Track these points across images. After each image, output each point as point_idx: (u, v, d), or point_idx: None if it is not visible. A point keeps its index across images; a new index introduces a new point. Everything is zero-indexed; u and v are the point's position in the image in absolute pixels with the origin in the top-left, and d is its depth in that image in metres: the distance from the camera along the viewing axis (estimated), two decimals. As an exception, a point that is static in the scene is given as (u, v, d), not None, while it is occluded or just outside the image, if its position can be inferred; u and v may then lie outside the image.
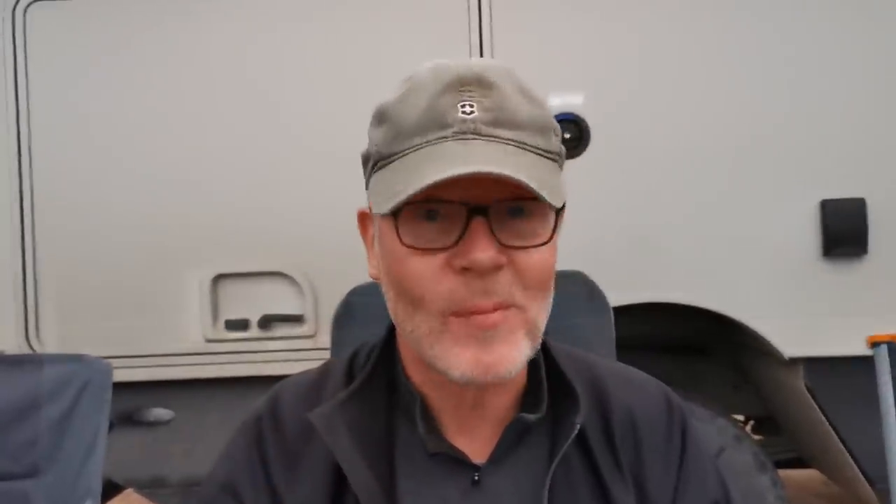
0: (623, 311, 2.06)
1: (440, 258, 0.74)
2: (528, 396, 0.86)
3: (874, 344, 2.05)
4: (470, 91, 0.74)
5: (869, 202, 2.13)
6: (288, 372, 2.29)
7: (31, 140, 2.23)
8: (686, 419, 0.89)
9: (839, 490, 3.88)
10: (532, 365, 0.85)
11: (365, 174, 0.83)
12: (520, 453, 0.83)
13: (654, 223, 2.19)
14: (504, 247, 0.74)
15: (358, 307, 1.53)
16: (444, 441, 0.82)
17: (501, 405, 0.84)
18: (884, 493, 2.16)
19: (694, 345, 2.62)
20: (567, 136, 2.17)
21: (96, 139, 2.24)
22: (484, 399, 0.83)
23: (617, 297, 1.31)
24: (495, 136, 0.73)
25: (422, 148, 0.73)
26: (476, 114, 0.73)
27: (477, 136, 0.73)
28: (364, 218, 0.86)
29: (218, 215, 2.23)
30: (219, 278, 2.24)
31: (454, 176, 0.68)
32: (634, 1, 2.22)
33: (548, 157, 0.77)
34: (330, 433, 0.80)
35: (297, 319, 2.25)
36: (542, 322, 0.79)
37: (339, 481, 0.80)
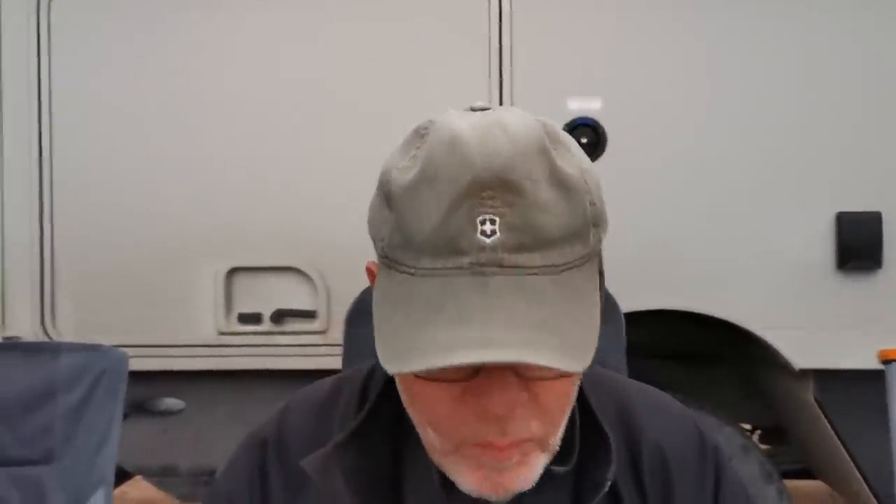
0: (634, 318, 2.07)
1: (456, 386, 0.66)
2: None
3: (885, 360, 2.04)
4: (491, 199, 0.61)
5: (885, 216, 2.12)
6: (299, 367, 2.32)
7: (52, 131, 2.25)
8: (721, 459, 0.83)
9: (845, 503, 3.87)
10: None
11: (373, 241, 0.72)
12: (541, 500, 0.75)
13: (668, 230, 2.19)
14: (525, 379, 0.65)
15: (371, 307, 1.53)
16: (452, 484, 0.74)
17: None
18: (891, 508, 2.16)
19: (704, 353, 2.62)
20: (584, 140, 2.18)
21: (116, 130, 2.26)
22: None
23: (628, 303, 1.31)
24: (520, 266, 0.62)
25: (433, 276, 0.62)
26: (498, 236, 0.61)
27: (498, 269, 0.61)
28: (371, 273, 0.76)
29: (234, 209, 2.24)
30: (233, 272, 2.26)
31: (464, 364, 0.59)
32: (657, 6, 2.22)
33: (583, 264, 0.66)
34: (326, 481, 0.74)
35: (309, 315, 2.26)
36: (559, 438, 0.71)
37: None
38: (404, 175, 0.65)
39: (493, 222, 0.61)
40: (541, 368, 0.63)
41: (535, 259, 0.62)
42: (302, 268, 2.26)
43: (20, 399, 1.34)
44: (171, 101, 2.26)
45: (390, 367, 0.62)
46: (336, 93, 2.25)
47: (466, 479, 0.68)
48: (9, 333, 2.17)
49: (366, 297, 1.55)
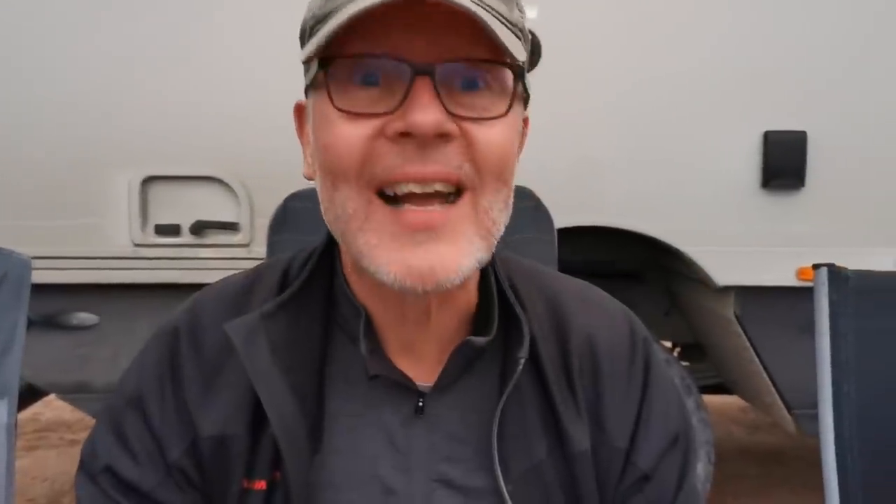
0: (560, 235, 2.07)
1: (374, 124, 0.63)
2: (480, 316, 0.76)
3: (803, 278, 2.10)
4: None
5: (810, 135, 2.15)
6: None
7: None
8: (650, 349, 0.81)
9: (757, 415, 4.05)
10: (485, 280, 0.76)
11: (302, 49, 0.70)
12: (469, 381, 0.74)
13: (594, 149, 2.17)
14: (453, 116, 0.63)
15: (296, 212, 1.48)
16: (386, 362, 0.73)
17: (449, 324, 0.75)
18: (802, 419, 2.26)
19: (627, 271, 2.66)
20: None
21: (20, 28, 2.09)
22: (429, 313, 0.73)
23: (557, 219, 1.29)
24: None
25: None
26: None
27: None
28: (300, 112, 0.75)
29: (150, 113, 2.12)
30: (149, 180, 2.15)
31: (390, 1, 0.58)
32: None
33: (511, 29, 0.65)
34: (248, 349, 0.70)
35: (231, 227, 2.18)
36: (498, 220, 0.68)
37: (261, 405, 0.71)
38: None
39: None
40: (473, 108, 0.63)
41: None
42: (224, 178, 2.16)
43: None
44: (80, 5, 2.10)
45: (315, 44, 0.62)
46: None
47: (384, 263, 0.64)
48: None
49: (291, 203, 1.49)
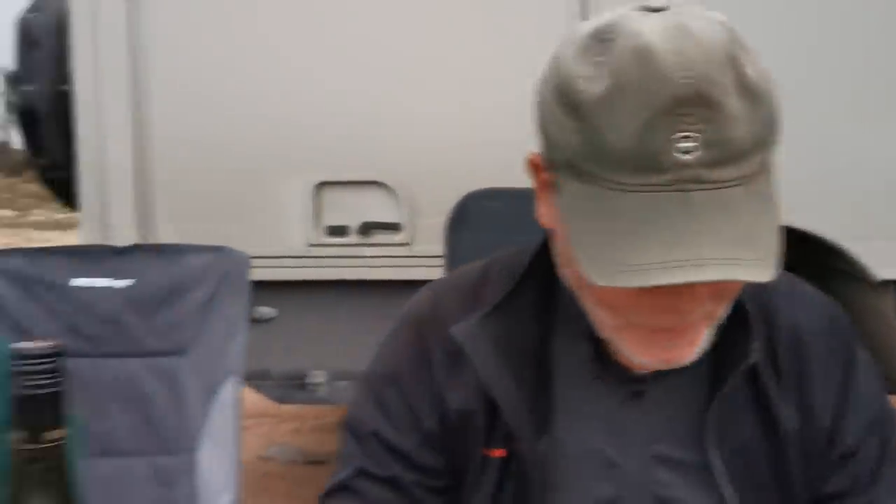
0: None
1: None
2: None
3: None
4: (689, 116, 0.63)
5: None
6: (385, 277, 2.40)
7: (147, 49, 2.32)
8: (853, 335, 0.87)
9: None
10: None
11: (542, 144, 0.75)
12: (683, 370, 0.78)
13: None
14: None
15: (474, 212, 1.58)
16: (609, 357, 0.81)
17: None
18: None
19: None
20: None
21: (210, 48, 2.32)
22: None
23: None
24: (717, 181, 0.64)
25: (633, 192, 0.65)
26: (698, 153, 0.63)
27: (697, 185, 0.64)
28: (535, 165, 0.78)
29: (323, 124, 2.30)
30: (322, 185, 2.33)
31: (681, 282, 0.63)
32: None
33: (767, 169, 0.69)
34: (473, 348, 0.80)
35: (394, 227, 2.34)
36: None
37: None
38: (592, 85, 0.66)
39: (691, 139, 0.63)
40: None
41: (730, 172, 0.64)
42: (387, 182, 2.32)
43: (154, 295, 1.45)
44: (265, 20, 2.30)
45: (601, 281, 0.65)
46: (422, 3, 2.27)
47: (635, 354, 0.75)
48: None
49: (468, 202, 1.60)
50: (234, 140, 2.33)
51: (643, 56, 0.64)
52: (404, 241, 2.35)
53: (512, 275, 0.86)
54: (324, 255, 2.35)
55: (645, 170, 0.64)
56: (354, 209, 2.35)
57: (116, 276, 1.46)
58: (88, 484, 0.59)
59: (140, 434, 1.40)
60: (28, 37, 2.59)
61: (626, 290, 0.66)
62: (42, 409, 0.50)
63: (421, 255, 2.30)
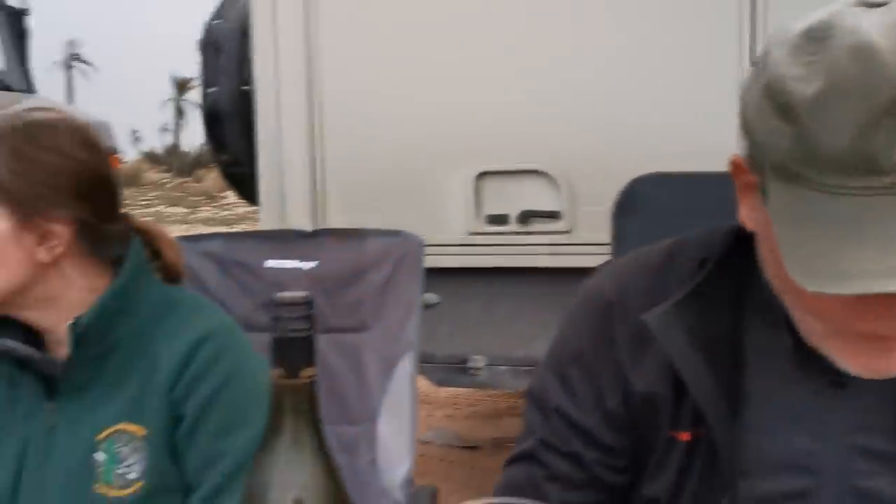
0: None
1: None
2: None
3: None
4: None
5: None
6: (544, 265, 2.44)
7: (322, 51, 2.47)
8: None
9: None
10: None
11: (746, 145, 0.74)
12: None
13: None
14: None
15: (641, 197, 1.58)
16: (808, 351, 0.78)
17: None
18: None
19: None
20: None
21: (379, 49, 2.44)
22: None
23: None
24: None
25: (846, 195, 0.63)
26: None
27: None
28: (738, 167, 0.77)
29: (484, 116, 2.37)
30: (482, 175, 2.40)
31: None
32: None
33: None
34: (665, 334, 0.80)
35: (554, 216, 2.37)
36: None
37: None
38: (805, 86, 0.64)
39: None
40: None
41: None
42: (547, 170, 2.36)
43: (337, 276, 1.55)
44: (428, 16, 2.40)
45: (812, 287, 0.63)
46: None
47: (845, 361, 0.73)
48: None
49: (636, 188, 1.61)
50: (400, 135, 2.44)
51: (863, 54, 0.61)
52: (564, 229, 2.38)
53: (703, 262, 0.85)
54: (484, 242, 2.42)
55: (862, 172, 0.62)
56: (514, 198, 2.40)
57: (303, 259, 1.58)
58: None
59: (325, 404, 1.50)
60: (212, 42, 2.82)
61: (837, 296, 0.63)
62: (297, 349, 0.57)
63: (581, 243, 2.32)
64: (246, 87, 2.63)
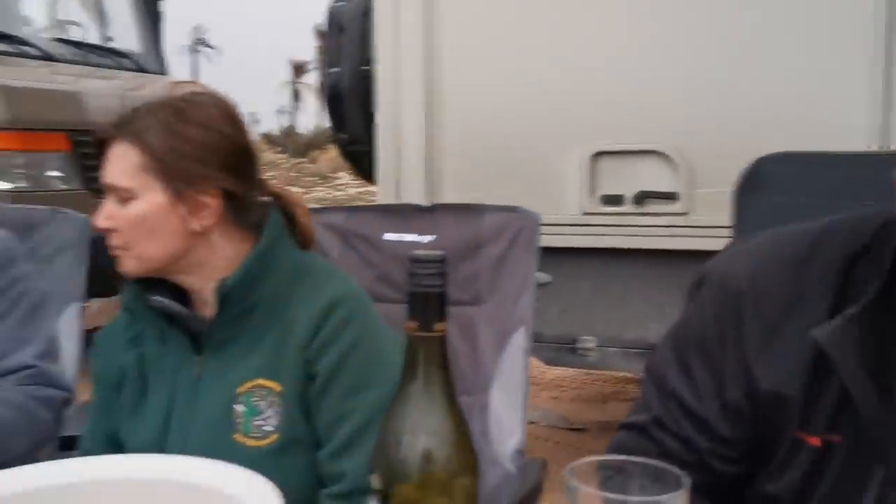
0: None
1: None
2: None
3: None
4: None
5: None
6: (660, 247, 2.42)
7: (442, 31, 2.51)
8: None
9: None
10: None
11: None
12: None
13: None
14: None
15: (766, 176, 1.54)
16: None
17: None
18: None
19: None
20: None
21: (496, 30, 2.47)
22: None
23: None
24: None
25: None
26: None
27: None
28: None
29: (601, 95, 2.36)
30: (598, 155, 2.39)
31: None
32: None
33: None
34: (839, 354, 0.76)
35: (670, 197, 2.34)
36: None
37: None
38: None
39: None
40: None
41: None
42: (665, 150, 2.32)
43: (453, 250, 1.59)
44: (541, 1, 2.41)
45: None
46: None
47: None
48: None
49: (763, 166, 1.57)
50: (516, 114, 2.46)
51: None
52: (681, 211, 2.34)
53: (853, 258, 0.81)
54: (598, 223, 2.41)
55: None
56: (630, 178, 2.38)
57: (421, 232, 1.62)
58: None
59: (440, 374, 1.55)
60: (336, 24, 2.91)
61: None
62: (431, 304, 0.61)
63: (698, 226, 2.28)
64: (366, 68, 2.70)
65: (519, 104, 2.45)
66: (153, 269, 1.06)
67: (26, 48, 4.14)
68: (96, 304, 2.28)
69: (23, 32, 4.25)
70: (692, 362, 0.86)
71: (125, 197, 1.03)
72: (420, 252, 0.61)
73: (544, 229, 2.46)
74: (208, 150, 1.04)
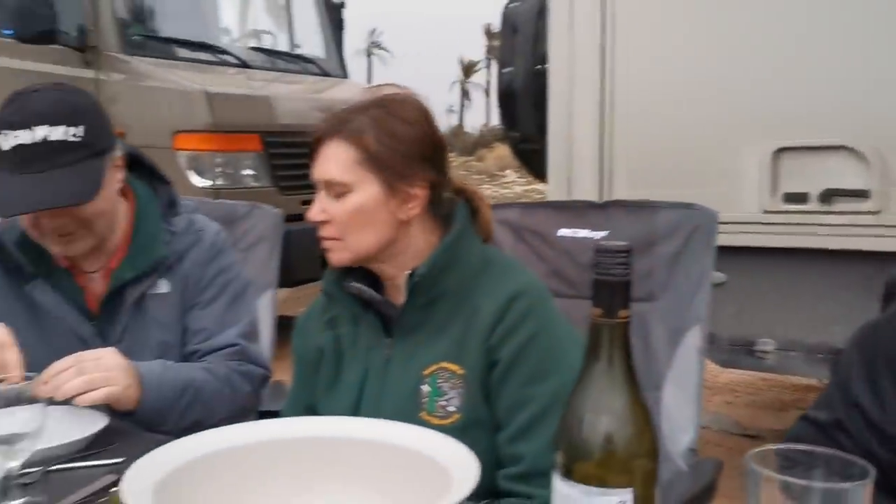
0: None
1: None
2: None
3: None
4: None
5: None
6: (847, 247, 2.30)
7: (617, 30, 2.50)
8: None
9: None
10: None
11: None
12: None
13: None
14: None
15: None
16: None
17: None
18: None
19: None
20: None
21: (672, 30, 2.43)
22: None
23: None
24: None
25: None
26: None
27: None
28: None
29: (783, 88, 2.27)
30: (780, 151, 2.30)
31: None
32: None
33: None
34: None
35: (861, 195, 2.21)
36: None
37: None
38: None
39: None
40: None
41: None
42: (854, 146, 2.20)
43: (627, 246, 1.60)
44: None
45: None
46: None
47: None
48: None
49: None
50: (692, 110, 2.41)
51: None
52: (873, 210, 2.20)
53: None
54: (780, 221, 2.32)
55: None
56: (815, 175, 2.27)
57: (594, 228, 1.64)
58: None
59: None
60: (510, 24, 2.97)
61: None
62: (616, 292, 0.64)
63: (892, 225, 2.15)
64: (540, 67, 2.74)
65: (695, 100, 2.40)
66: (361, 258, 1.14)
67: (226, 56, 4.52)
68: (282, 293, 2.47)
69: (222, 42, 4.65)
70: (880, 376, 0.84)
71: (341, 191, 1.11)
72: (606, 242, 0.64)
73: (722, 228, 2.39)
74: (415, 144, 1.11)
